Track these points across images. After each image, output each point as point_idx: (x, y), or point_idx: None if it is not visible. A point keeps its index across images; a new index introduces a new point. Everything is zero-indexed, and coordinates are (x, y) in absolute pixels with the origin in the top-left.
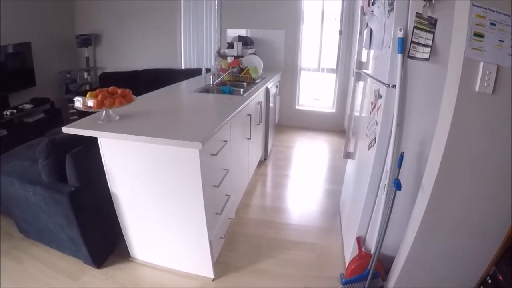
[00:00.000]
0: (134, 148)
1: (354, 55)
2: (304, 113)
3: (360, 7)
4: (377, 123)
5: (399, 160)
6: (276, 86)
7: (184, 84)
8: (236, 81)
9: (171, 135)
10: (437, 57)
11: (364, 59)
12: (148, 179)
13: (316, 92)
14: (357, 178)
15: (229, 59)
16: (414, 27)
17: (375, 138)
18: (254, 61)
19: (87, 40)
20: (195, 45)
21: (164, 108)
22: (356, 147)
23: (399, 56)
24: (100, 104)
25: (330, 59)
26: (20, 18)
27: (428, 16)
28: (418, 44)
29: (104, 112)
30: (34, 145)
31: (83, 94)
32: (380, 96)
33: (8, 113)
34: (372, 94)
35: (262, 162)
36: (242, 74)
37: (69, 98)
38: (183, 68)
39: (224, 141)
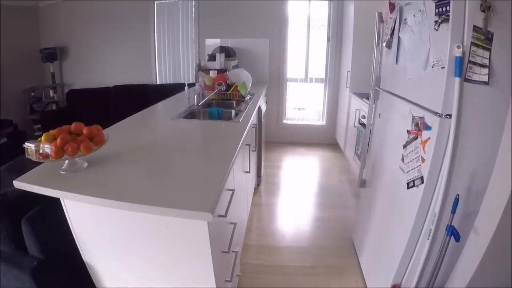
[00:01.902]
0: (112, 213)
1: (345, 64)
2: (292, 128)
3: (376, 13)
4: (422, 160)
5: (454, 204)
6: (266, 102)
7: (163, 105)
8: (222, 99)
9: (167, 201)
10: (495, 80)
11: (384, 74)
12: (134, 249)
13: (303, 103)
14: (387, 217)
15: (212, 73)
16: (472, 43)
17: (421, 177)
18: (241, 76)
19: (52, 54)
20: (170, 57)
21: (145, 145)
22: (374, 175)
23: (457, 80)
24: (60, 152)
25: (318, 68)
26: None
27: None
28: (475, 64)
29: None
30: None
31: (48, 117)
32: (429, 128)
33: None
34: (409, 121)
35: (256, 188)
36: (230, 92)
37: (34, 119)
38: (158, 83)
39: (229, 190)
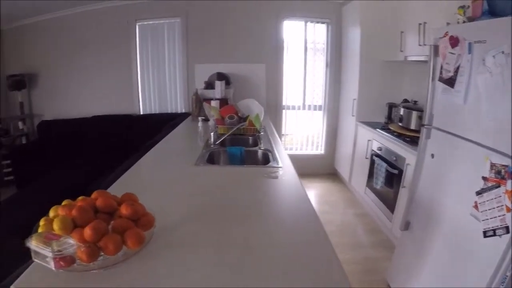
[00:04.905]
0: None
1: (348, 91)
2: (290, 157)
3: (430, 46)
4: (508, 209)
5: None
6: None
7: (169, 143)
8: (235, 134)
9: None
10: None
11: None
12: None
13: (306, 132)
14: (450, 263)
15: (214, 103)
16: None
17: (505, 227)
18: (253, 107)
19: (20, 82)
20: (155, 84)
21: (188, 211)
22: (425, 219)
23: None
24: (95, 252)
25: (316, 95)
26: None
27: None
28: None
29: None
30: None
31: (18, 151)
32: None
33: None
34: (486, 168)
35: None
36: (246, 126)
37: (2, 154)
38: (141, 113)
39: None
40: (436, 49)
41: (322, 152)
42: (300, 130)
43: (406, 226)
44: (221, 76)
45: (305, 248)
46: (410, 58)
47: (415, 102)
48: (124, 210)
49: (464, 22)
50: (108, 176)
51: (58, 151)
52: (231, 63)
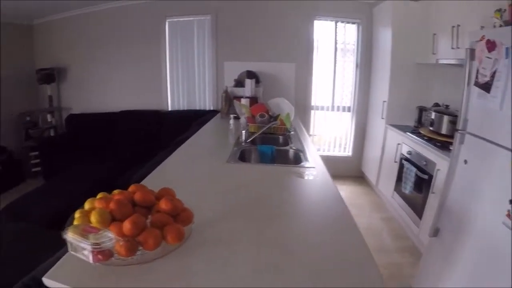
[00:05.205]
0: None
1: (378, 93)
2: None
3: (466, 50)
4: None
5: None
6: None
7: (198, 139)
8: (265, 132)
9: None
10: None
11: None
12: None
13: (333, 133)
14: (485, 273)
15: (244, 101)
16: None
17: None
18: (283, 106)
19: (49, 76)
20: (185, 81)
21: (225, 209)
22: (455, 225)
23: None
24: (135, 247)
25: (345, 96)
26: None
27: None
28: None
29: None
30: None
31: (46, 144)
32: None
33: None
34: None
35: None
36: (277, 125)
37: (30, 145)
38: (170, 109)
39: None
40: (472, 52)
41: (350, 154)
42: (328, 131)
43: (435, 232)
44: (251, 75)
45: (340, 247)
46: (442, 61)
47: (447, 106)
48: (163, 205)
49: (500, 25)
50: (136, 171)
51: (85, 144)
52: (261, 62)
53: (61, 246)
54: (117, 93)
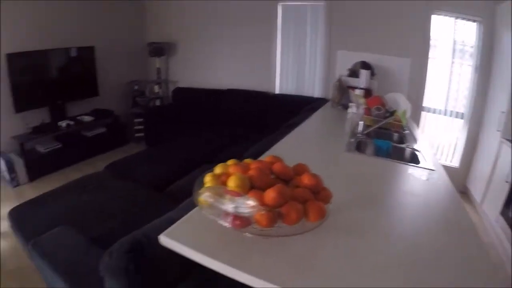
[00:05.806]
0: None
1: (497, 101)
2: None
3: None
4: None
5: None
6: None
7: (310, 126)
8: (379, 126)
9: None
10: None
11: None
12: None
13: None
14: None
15: (357, 92)
16: None
17: None
18: (400, 102)
19: (160, 49)
20: (295, 67)
21: (344, 197)
22: None
23: None
24: (275, 218)
25: (459, 101)
26: (84, 21)
27: None
28: None
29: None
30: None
31: (152, 112)
32: None
33: (64, 124)
34: None
35: None
36: (393, 121)
37: (136, 112)
38: (276, 92)
39: None
40: None
41: (457, 165)
42: (437, 135)
43: None
44: (366, 66)
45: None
46: None
47: None
48: (306, 180)
49: None
50: (241, 148)
51: (189, 117)
52: (375, 54)
53: (166, 206)
54: (225, 71)
